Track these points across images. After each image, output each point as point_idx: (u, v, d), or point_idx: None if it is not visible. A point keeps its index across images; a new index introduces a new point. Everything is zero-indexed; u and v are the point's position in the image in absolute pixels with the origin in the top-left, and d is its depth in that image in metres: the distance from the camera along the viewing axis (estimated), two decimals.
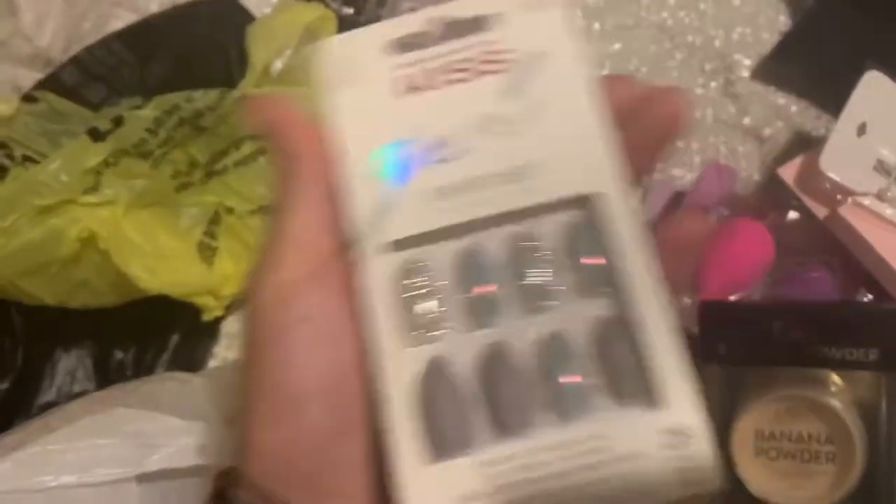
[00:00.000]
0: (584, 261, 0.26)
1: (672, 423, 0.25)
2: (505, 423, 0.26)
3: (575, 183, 0.26)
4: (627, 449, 0.25)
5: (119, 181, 0.55)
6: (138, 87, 0.62)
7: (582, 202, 0.26)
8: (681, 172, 0.66)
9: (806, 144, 0.64)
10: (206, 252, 0.58)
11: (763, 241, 0.55)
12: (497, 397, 0.26)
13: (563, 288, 0.27)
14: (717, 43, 0.72)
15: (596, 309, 0.26)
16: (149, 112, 0.55)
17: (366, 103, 0.27)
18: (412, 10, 0.77)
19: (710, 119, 0.68)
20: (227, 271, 0.58)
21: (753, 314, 0.49)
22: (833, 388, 0.48)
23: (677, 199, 0.62)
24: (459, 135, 0.27)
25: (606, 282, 0.26)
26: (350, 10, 0.73)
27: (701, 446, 0.25)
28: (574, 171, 0.26)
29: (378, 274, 0.26)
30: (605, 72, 0.71)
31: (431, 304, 0.26)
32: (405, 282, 0.27)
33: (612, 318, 0.26)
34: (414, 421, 0.26)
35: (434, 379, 0.26)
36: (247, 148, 0.59)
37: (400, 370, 0.26)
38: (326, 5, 0.73)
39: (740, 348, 0.49)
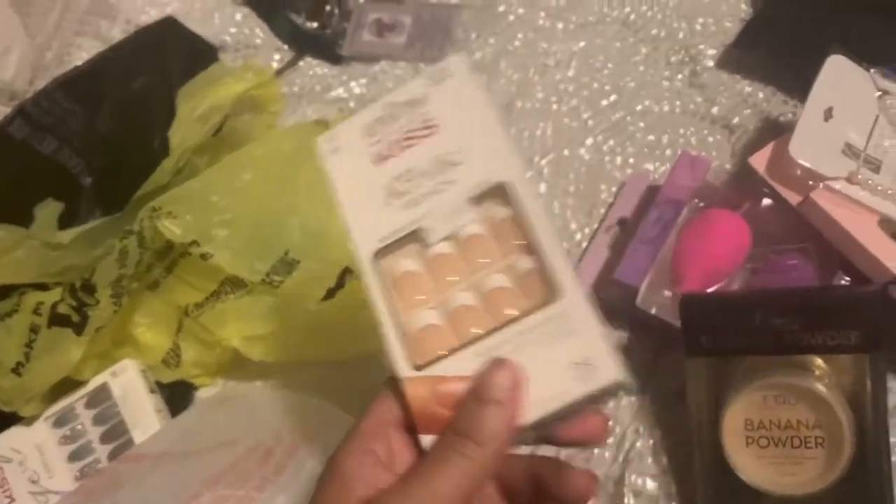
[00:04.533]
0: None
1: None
2: None
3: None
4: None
5: None
6: (87, 137, 0.61)
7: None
8: (653, 166, 0.66)
9: (775, 130, 0.65)
10: (173, 360, 0.60)
11: (739, 230, 0.56)
12: None
13: None
14: (680, 35, 0.72)
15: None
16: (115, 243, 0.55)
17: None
18: (376, 20, 0.77)
19: (679, 111, 0.69)
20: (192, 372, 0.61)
21: (733, 305, 0.50)
22: (817, 373, 0.48)
23: (651, 193, 0.63)
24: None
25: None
26: (314, 25, 0.73)
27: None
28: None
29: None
30: (571, 72, 0.71)
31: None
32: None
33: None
34: None
35: None
36: None
37: None
38: (293, 24, 0.73)
39: (723, 340, 0.49)
